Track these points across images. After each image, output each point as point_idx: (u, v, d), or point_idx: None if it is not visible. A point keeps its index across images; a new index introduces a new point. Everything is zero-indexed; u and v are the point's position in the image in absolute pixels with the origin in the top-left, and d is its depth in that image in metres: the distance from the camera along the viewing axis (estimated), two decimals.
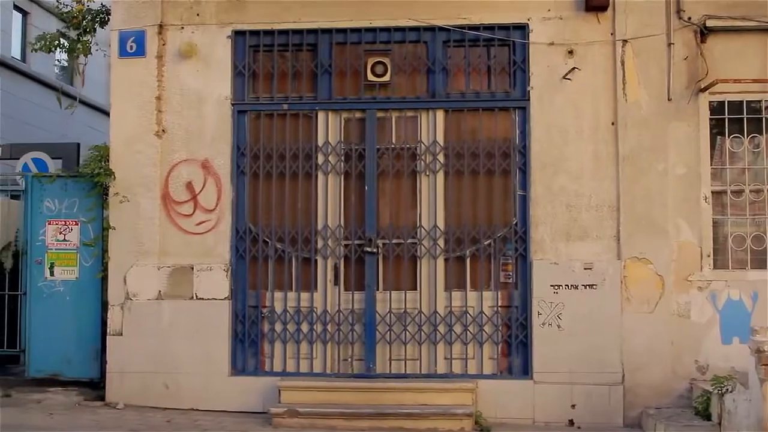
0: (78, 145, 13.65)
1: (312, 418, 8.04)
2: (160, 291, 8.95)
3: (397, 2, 8.95)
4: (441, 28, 8.93)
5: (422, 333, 8.81)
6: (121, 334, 8.97)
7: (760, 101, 8.80)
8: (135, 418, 8.34)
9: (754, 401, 6.14)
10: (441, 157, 8.93)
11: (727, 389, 7.11)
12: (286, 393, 8.42)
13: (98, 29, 9.68)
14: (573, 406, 8.50)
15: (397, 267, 8.92)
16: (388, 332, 8.82)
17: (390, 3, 8.97)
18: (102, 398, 9.02)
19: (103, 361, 9.19)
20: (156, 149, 9.08)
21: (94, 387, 9.35)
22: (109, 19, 9.68)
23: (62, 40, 9.59)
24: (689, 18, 8.72)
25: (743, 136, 8.80)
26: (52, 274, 9.43)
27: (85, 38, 9.58)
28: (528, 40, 8.84)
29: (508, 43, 8.92)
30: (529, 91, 8.82)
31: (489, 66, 8.99)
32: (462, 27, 8.90)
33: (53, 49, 9.65)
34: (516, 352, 8.75)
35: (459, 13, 8.92)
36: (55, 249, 9.46)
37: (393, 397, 8.31)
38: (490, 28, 8.89)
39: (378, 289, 8.89)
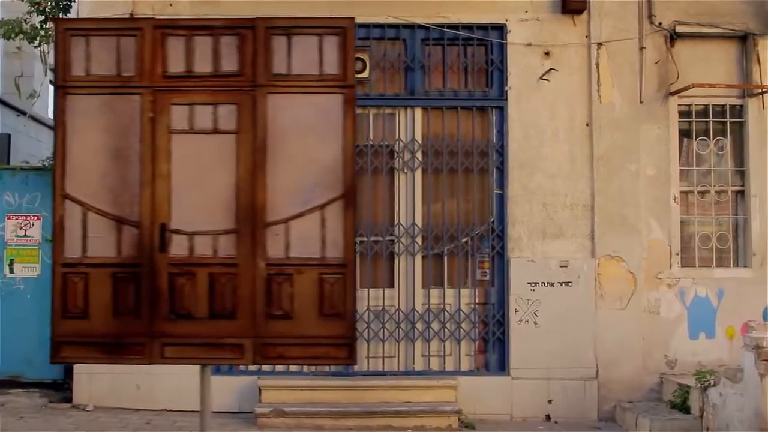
0: (9, 136, 13.09)
1: (298, 418, 7.96)
2: None
3: (372, 1, 8.91)
4: (420, 26, 8.95)
5: (400, 330, 8.83)
6: None
7: (724, 105, 9.14)
8: (111, 420, 8.09)
9: (751, 396, 6.39)
10: (419, 155, 8.96)
11: (710, 383, 7.36)
12: (267, 392, 8.30)
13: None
14: (549, 401, 8.67)
15: (375, 264, 8.90)
16: (366, 330, 8.80)
17: (364, 2, 8.92)
18: (68, 400, 8.71)
19: None
20: None
21: (57, 388, 9.03)
22: (71, 6, 9.35)
23: (24, 27, 9.16)
24: (660, 23, 8.99)
25: (709, 139, 9.13)
26: (11, 271, 9.06)
27: (47, 26, 9.18)
28: (506, 40, 8.94)
29: (486, 43, 9.01)
30: (506, 90, 8.93)
31: (467, 65, 9.06)
32: (441, 25, 8.94)
33: (14, 36, 9.22)
34: (493, 348, 8.87)
35: (438, 11, 8.96)
36: (15, 245, 9.09)
37: (376, 395, 8.29)
38: (468, 27, 8.96)
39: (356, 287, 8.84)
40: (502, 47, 8.96)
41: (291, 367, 8.73)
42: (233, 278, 4.54)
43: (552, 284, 8.76)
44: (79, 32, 4.74)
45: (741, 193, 9.15)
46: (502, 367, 8.80)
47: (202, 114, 4.64)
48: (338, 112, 4.64)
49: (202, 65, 4.69)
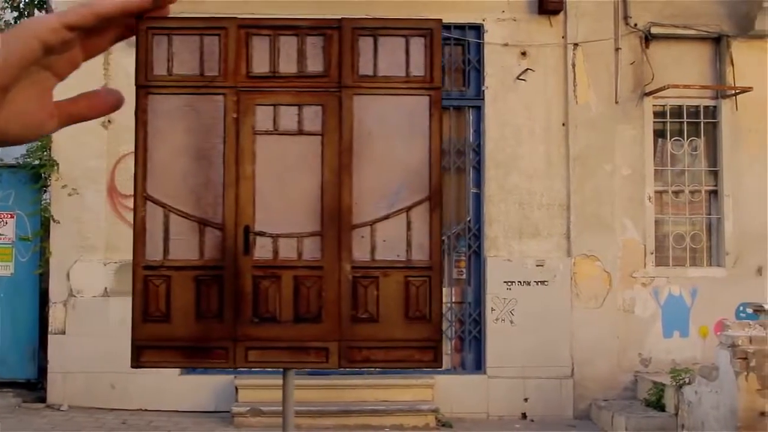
0: None
1: (276, 417, 7.90)
2: (106, 288, 8.63)
3: (355, 1, 8.92)
4: None
5: None
6: (64, 333, 8.60)
7: (698, 106, 9.24)
8: (86, 420, 8.03)
9: (726, 393, 6.46)
10: None
11: (685, 381, 7.44)
12: (244, 391, 8.27)
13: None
14: (526, 400, 8.72)
15: None
16: None
17: (349, 1, 8.92)
18: (42, 400, 8.62)
19: (41, 361, 8.80)
20: (102, 140, 8.74)
21: (31, 388, 8.94)
22: (45, 2, 9.25)
23: None
24: (635, 24, 9.07)
25: (683, 139, 9.23)
26: None
27: (21, 22, 9.08)
28: (483, 40, 8.98)
29: (463, 43, 9.04)
30: (483, 90, 8.97)
31: (444, 65, 9.01)
32: None
33: None
34: (470, 347, 8.90)
35: (416, 11, 8.95)
36: None
37: (354, 394, 8.30)
38: (446, 27, 8.91)
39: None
40: (479, 47, 9.00)
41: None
42: (318, 281, 4.49)
43: (528, 283, 8.81)
44: (161, 31, 4.70)
45: (714, 193, 9.25)
46: (479, 365, 8.84)
47: (287, 115, 4.58)
48: (424, 114, 4.62)
49: (287, 66, 4.63)
